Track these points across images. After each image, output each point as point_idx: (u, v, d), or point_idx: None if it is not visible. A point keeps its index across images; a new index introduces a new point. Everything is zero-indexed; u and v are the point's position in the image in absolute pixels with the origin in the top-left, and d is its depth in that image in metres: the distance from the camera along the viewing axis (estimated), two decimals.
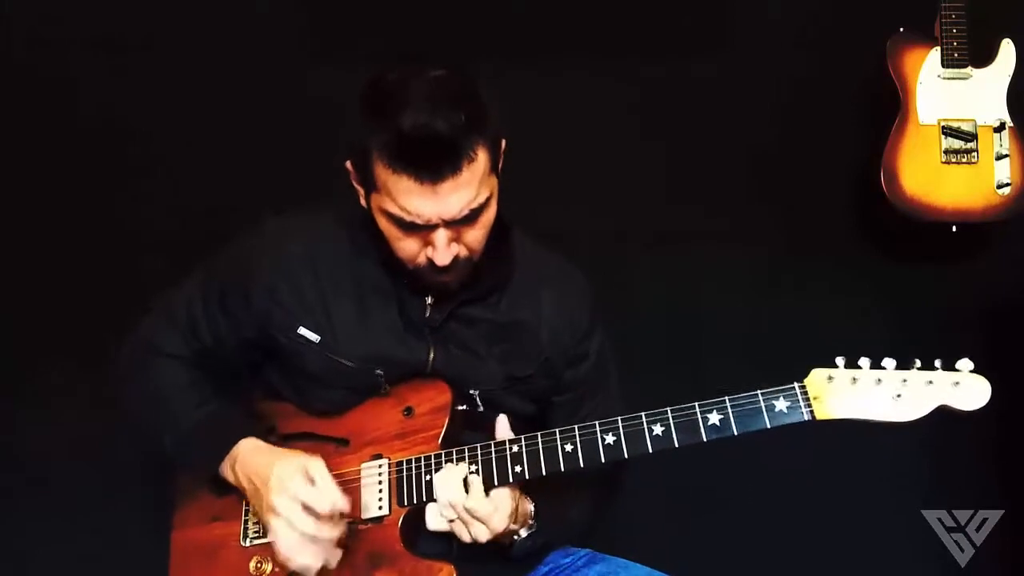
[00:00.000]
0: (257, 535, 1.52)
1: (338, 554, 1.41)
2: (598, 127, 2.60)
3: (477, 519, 1.40)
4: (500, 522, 1.41)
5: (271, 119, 2.53)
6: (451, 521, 1.41)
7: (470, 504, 1.39)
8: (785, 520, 2.38)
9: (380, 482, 1.48)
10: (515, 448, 1.43)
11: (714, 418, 1.38)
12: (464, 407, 1.52)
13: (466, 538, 1.42)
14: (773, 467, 2.28)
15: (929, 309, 2.57)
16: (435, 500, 1.42)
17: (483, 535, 1.41)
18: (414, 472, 1.47)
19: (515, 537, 1.49)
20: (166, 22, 2.52)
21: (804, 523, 2.38)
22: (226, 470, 1.49)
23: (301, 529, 1.38)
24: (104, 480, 2.29)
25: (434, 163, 1.30)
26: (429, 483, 1.45)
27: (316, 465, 1.41)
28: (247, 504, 1.54)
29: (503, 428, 1.48)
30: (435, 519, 1.42)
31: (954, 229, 2.41)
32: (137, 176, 2.52)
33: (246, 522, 1.54)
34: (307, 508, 1.38)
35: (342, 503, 1.40)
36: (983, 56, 2.44)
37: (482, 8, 2.55)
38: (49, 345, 2.42)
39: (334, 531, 1.40)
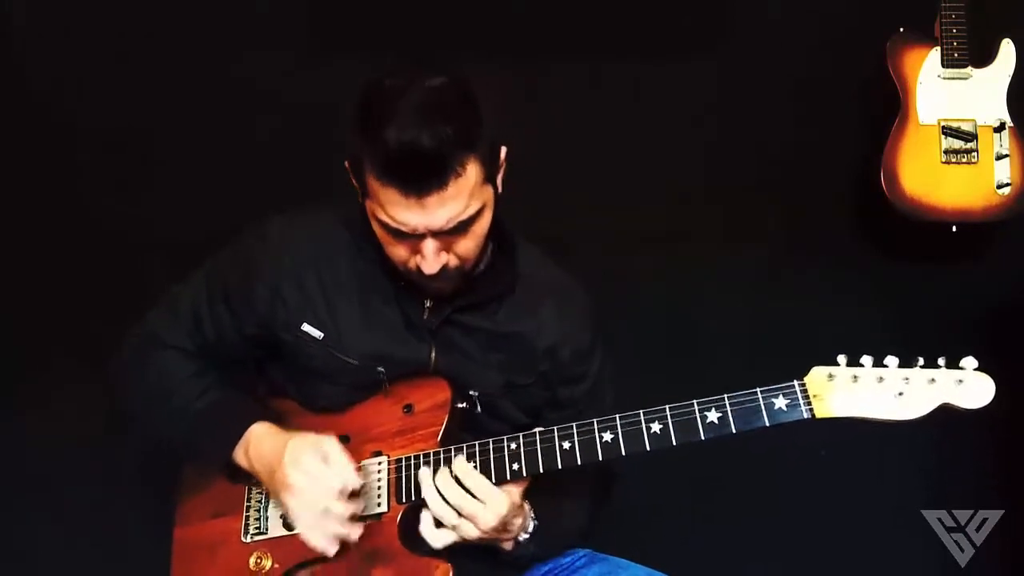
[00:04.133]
0: (258, 531, 1.52)
1: (358, 532, 1.42)
2: (597, 127, 2.60)
3: (464, 516, 1.40)
4: (488, 520, 1.40)
5: (271, 119, 2.53)
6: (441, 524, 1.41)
7: (456, 500, 1.39)
8: (785, 520, 2.38)
9: (379, 479, 1.48)
10: (513, 445, 1.43)
11: (712, 416, 1.37)
12: (464, 404, 1.52)
13: (454, 536, 1.41)
14: (773, 467, 2.28)
15: (929, 309, 2.57)
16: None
17: (471, 532, 1.41)
18: (413, 469, 1.47)
19: (518, 539, 1.50)
20: (166, 22, 2.52)
21: (804, 523, 2.38)
22: (239, 456, 1.49)
23: (315, 503, 1.39)
24: (104, 480, 2.29)
25: (419, 178, 1.29)
26: None
27: (330, 443, 1.43)
28: (249, 499, 1.54)
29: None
30: (429, 528, 1.42)
31: (954, 229, 2.41)
32: (137, 176, 2.52)
33: (247, 518, 1.54)
34: (320, 483, 1.39)
35: (355, 480, 1.41)
36: (983, 56, 2.44)
37: (482, 8, 2.55)
38: (49, 345, 2.42)
39: (349, 507, 1.40)
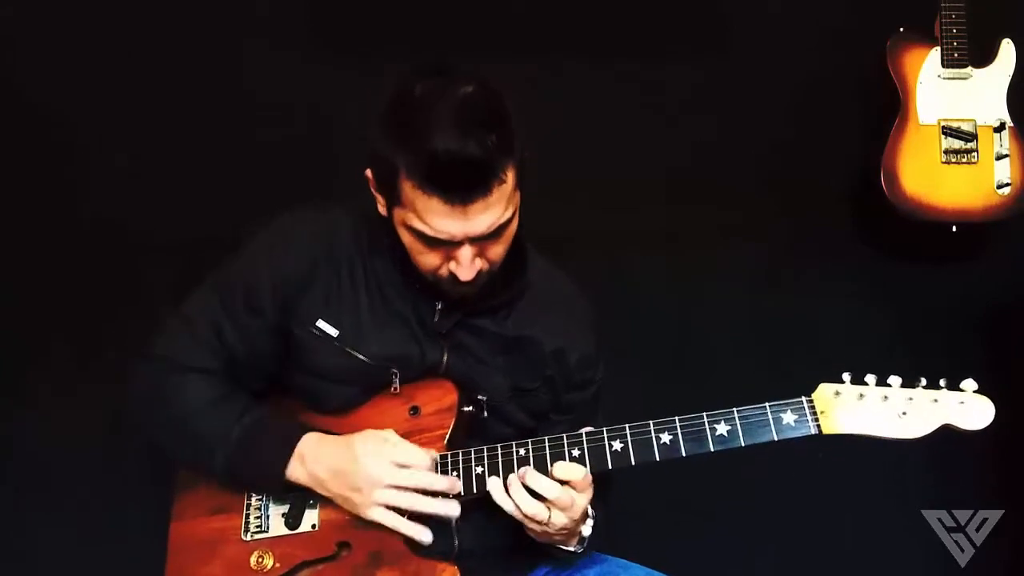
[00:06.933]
0: (259, 529, 1.51)
1: (456, 508, 1.44)
2: (597, 127, 2.60)
3: (559, 507, 1.41)
4: (578, 511, 1.42)
5: (272, 119, 2.53)
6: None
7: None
8: (785, 520, 2.39)
9: None
10: (522, 451, 1.44)
11: (722, 428, 1.40)
12: (470, 408, 1.52)
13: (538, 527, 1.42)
14: (773, 467, 2.27)
15: (929, 309, 2.57)
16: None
17: (561, 522, 1.42)
18: None
19: (582, 533, 1.50)
20: (166, 21, 2.52)
21: (804, 523, 2.38)
22: (295, 471, 1.46)
23: (411, 484, 1.41)
24: (104, 480, 2.29)
25: (465, 186, 1.29)
26: None
27: (390, 432, 1.46)
28: (249, 497, 1.53)
29: None
30: (502, 494, 1.42)
31: (954, 229, 2.41)
32: (137, 176, 2.51)
33: (247, 516, 1.52)
34: (405, 466, 1.41)
35: (430, 453, 1.44)
36: (983, 56, 2.45)
37: (484, 8, 2.55)
38: (50, 345, 2.41)
39: (441, 482, 1.43)
